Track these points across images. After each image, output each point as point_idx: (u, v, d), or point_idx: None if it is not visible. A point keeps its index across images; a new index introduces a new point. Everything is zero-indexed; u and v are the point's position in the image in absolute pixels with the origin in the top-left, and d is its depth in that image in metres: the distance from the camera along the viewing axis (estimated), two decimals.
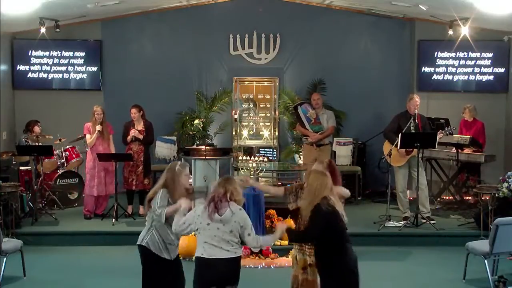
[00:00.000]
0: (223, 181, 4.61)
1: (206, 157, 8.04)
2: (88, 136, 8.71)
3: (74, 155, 9.60)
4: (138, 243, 4.86)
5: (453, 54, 10.41)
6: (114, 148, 8.89)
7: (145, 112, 8.89)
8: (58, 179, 9.34)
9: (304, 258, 4.95)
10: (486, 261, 6.05)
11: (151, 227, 4.82)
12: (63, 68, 10.61)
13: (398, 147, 8.01)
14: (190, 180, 4.98)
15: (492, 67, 10.43)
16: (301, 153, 10.14)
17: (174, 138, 10.05)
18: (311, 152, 9.01)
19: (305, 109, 9.11)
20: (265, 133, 10.77)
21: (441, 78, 10.53)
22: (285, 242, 7.07)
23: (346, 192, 5.11)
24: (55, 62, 10.58)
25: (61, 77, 10.63)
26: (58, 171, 9.43)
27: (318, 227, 4.41)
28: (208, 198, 4.57)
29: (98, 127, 8.62)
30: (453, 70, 10.51)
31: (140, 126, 8.80)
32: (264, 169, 8.12)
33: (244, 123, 10.86)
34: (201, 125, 10.30)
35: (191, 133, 10.28)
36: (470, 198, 9.48)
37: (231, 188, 4.53)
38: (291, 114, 10.38)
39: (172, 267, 4.86)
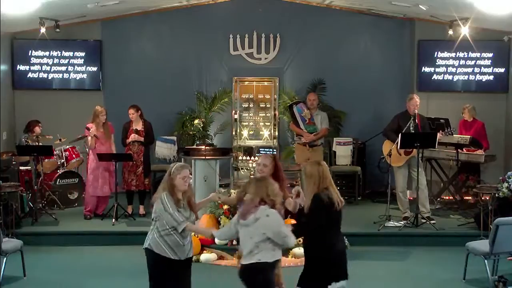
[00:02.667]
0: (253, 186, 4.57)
1: (206, 157, 8.05)
2: (90, 137, 8.63)
3: (74, 155, 9.61)
4: (143, 247, 4.77)
5: (453, 54, 10.41)
6: (115, 148, 8.87)
7: (144, 112, 8.87)
8: (58, 179, 9.35)
9: None
10: (486, 261, 6.05)
11: (153, 229, 4.73)
12: (63, 68, 10.61)
13: (398, 147, 8.01)
14: (191, 181, 4.86)
15: (492, 67, 10.43)
16: None
17: (174, 138, 10.05)
18: (304, 152, 9.06)
19: (300, 109, 9.15)
20: (265, 133, 10.78)
21: (441, 78, 10.53)
22: None
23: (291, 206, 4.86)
24: (55, 62, 10.57)
25: (61, 77, 10.62)
26: (58, 171, 9.43)
27: (318, 219, 4.49)
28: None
29: (94, 131, 8.58)
30: (453, 70, 10.51)
31: (138, 126, 8.79)
32: None
33: (244, 123, 10.86)
34: (201, 125, 10.29)
35: (191, 133, 10.28)
36: (470, 198, 9.47)
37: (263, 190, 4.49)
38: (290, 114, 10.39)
39: (178, 267, 4.72)
